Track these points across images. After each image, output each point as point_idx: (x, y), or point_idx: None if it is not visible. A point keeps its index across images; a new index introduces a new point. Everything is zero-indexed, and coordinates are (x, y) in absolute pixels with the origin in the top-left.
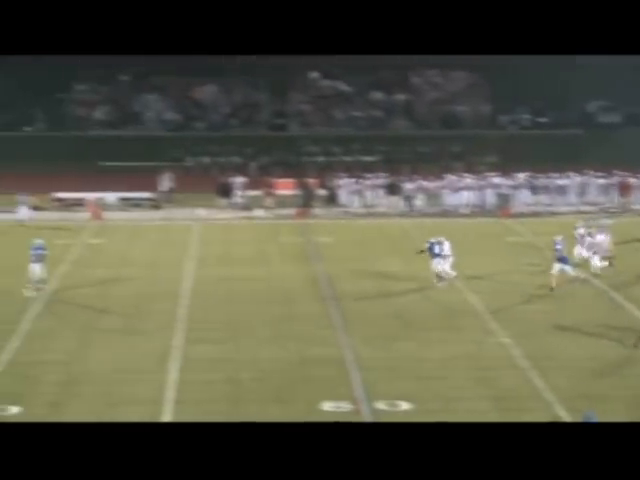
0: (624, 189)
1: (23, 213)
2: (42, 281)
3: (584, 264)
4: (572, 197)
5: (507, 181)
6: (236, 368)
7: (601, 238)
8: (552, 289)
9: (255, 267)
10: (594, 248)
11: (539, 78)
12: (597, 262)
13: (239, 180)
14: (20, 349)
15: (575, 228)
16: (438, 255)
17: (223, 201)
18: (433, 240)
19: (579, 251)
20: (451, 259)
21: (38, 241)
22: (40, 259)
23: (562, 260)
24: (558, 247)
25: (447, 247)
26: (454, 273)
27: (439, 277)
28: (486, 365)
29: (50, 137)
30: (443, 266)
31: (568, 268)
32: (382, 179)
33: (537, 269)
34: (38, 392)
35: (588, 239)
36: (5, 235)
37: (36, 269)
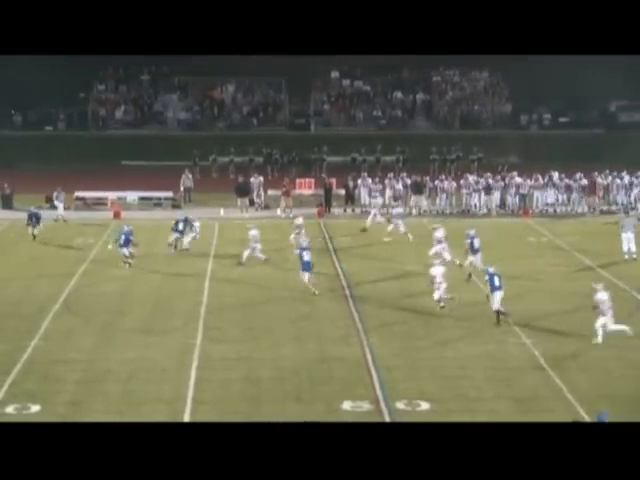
0: None
1: (61, 209)
2: (131, 256)
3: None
4: (594, 197)
5: (528, 181)
6: (255, 367)
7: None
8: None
9: (275, 266)
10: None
11: (560, 78)
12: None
13: (258, 179)
14: (40, 348)
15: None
16: (477, 251)
17: (242, 200)
18: (471, 232)
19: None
20: (480, 253)
21: (127, 228)
22: (127, 244)
23: None
24: None
25: (478, 241)
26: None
27: (470, 276)
28: (507, 365)
29: (71, 136)
30: (477, 261)
31: None
32: (403, 179)
33: (559, 269)
34: (58, 391)
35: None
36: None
37: (125, 251)
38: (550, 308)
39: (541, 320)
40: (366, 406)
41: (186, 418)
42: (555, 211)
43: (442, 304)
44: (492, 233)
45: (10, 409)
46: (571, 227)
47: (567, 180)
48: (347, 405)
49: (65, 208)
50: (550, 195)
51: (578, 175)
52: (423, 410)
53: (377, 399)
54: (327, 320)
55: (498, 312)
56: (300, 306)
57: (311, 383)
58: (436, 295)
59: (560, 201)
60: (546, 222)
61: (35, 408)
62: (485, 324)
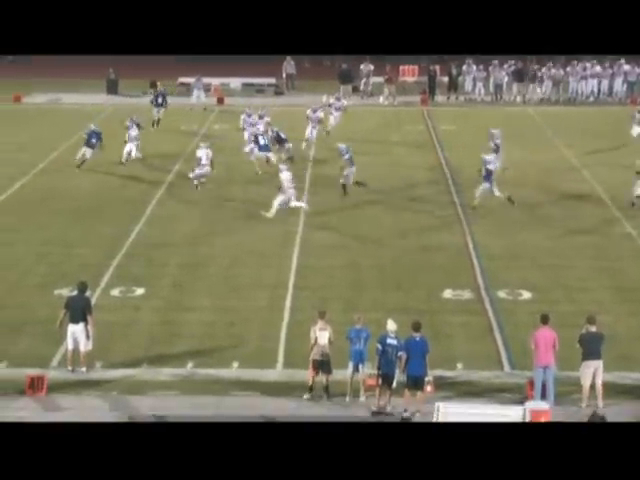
0: None
1: (199, 96)
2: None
3: None
4: None
5: (636, 69)
6: (356, 255)
7: None
8: None
9: (378, 154)
10: None
11: None
12: None
13: (368, 67)
14: (144, 232)
15: None
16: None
17: (345, 87)
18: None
19: None
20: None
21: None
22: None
23: None
24: None
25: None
26: None
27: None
28: (611, 255)
29: None
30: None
31: None
32: (508, 66)
33: None
34: (162, 274)
35: None
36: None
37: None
38: None
39: None
40: (467, 294)
41: (287, 304)
42: None
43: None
44: (595, 121)
45: (115, 292)
46: None
47: None
48: (448, 293)
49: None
50: None
51: None
52: (525, 299)
53: (478, 287)
54: (430, 208)
55: None
56: (402, 193)
57: (412, 271)
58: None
59: None
60: None
61: (140, 291)
62: (590, 214)
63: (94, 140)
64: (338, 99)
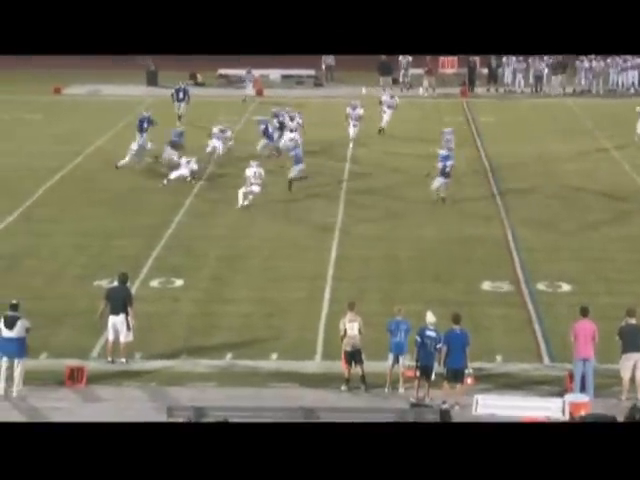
0: None
1: (249, 89)
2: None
3: None
4: None
5: None
6: (395, 246)
7: None
8: None
9: (417, 145)
10: None
11: None
12: None
13: (407, 58)
14: (185, 224)
15: None
16: None
17: (385, 79)
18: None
19: None
20: None
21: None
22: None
23: None
24: None
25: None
26: None
27: None
28: None
29: None
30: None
31: None
32: (548, 57)
33: None
34: (201, 266)
35: None
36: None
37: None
38: None
39: None
40: (506, 286)
41: (326, 295)
42: None
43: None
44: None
45: (155, 283)
46: None
47: None
48: (487, 285)
49: (206, 86)
50: None
51: None
52: (565, 291)
53: (518, 280)
54: (469, 200)
55: None
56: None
57: (451, 263)
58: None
59: None
60: None
61: (179, 282)
62: (629, 207)
63: (145, 125)
64: (392, 96)
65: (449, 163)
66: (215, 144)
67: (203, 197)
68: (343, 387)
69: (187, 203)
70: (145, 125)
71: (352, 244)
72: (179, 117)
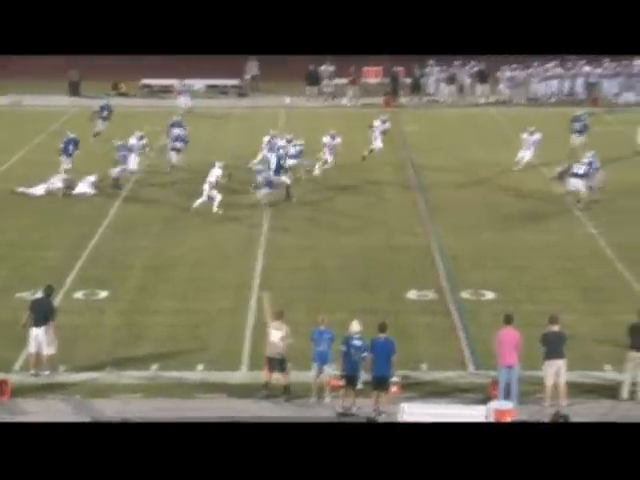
0: None
1: (185, 101)
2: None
3: None
4: None
5: (597, 70)
6: (321, 256)
7: None
8: None
9: (341, 154)
10: None
11: None
12: None
13: (329, 68)
14: (107, 235)
15: None
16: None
17: (311, 89)
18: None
19: None
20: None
21: None
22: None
23: None
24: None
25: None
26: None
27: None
28: (573, 255)
29: None
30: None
31: None
32: (470, 67)
33: (624, 162)
34: (126, 277)
35: None
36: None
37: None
38: (616, 198)
39: (608, 210)
40: (431, 295)
41: (252, 305)
42: None
43: None
44: (556, 122)
45: (79, 294)
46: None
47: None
48: (412, 294)
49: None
50: (616, 84)
51: None
52: (488, 299)
53: (442, 288)
54: (394, 209)
55: None
56: (366, 196)
57: (377, 272)
58: None
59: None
60: (614, 111)
61: (103, 294)
62: (551, 214)
63: (71, 147)
64: (384, 121)
65: None
66: (133, 154)
67: (126, 208)
68: (261, 393)
69: (111, 213)
70: (71, 148)
71: (278, 254)
72: (96, 134)
